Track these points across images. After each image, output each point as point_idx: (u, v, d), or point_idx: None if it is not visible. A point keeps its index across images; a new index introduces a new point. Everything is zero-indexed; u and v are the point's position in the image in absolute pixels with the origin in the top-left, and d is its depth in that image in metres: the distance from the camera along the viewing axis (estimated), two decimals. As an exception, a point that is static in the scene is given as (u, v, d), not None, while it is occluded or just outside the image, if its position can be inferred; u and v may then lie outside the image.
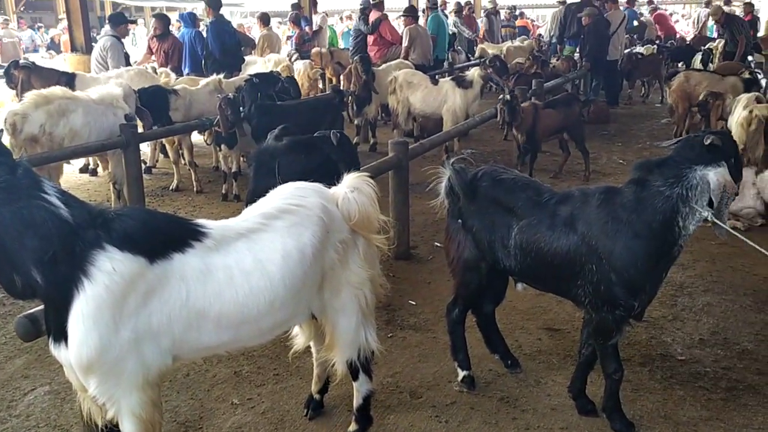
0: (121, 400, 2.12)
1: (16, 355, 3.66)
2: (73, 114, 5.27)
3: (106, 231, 2.02)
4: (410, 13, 10.50)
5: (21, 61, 7.60)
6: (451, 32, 12.69)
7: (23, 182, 1.95)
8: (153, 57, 9.43)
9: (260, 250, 2.26)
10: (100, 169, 7.72)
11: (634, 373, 3.34)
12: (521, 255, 2.86)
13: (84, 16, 8.83)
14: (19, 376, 3.44)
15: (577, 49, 11.84)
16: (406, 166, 4.85)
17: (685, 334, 3.76)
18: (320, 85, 10.61)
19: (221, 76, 7.69)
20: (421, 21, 11.15)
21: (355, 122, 8.93)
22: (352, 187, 2.52)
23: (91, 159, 7.42)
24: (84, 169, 7.70)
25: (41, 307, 2.27)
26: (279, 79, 7.12)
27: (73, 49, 9.19)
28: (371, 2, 10.47)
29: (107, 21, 8.87)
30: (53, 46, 17.30)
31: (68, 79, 7.16)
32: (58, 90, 5.47)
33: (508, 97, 6.49)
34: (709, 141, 2.50)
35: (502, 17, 17.48)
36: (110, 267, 1.98)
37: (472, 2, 18.06)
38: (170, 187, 7.01)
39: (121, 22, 8.38)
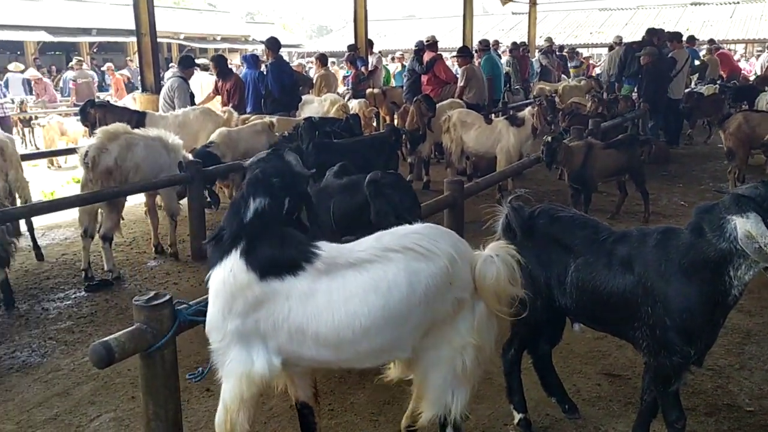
0: (223, 381, 2.41)
1: (83, 381, 3.81)
2: (136, 148, 5.49)
3: (246, 241, 2.36)
4: (465, 53, 10.63)
5: (96, 101, 8.00)
6: (505, 71, 12.77)
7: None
8: (214, 96, 9.82)
9: (367, 279, 2.33)
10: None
11: (699, 423, 3.23)
12: (577, 294, 2.84)
13: (155, 57, 9.27)
14: (86, 402, 3.57)
15: (635, 89, 11.72)
16: (461, 205, 4.87)
17: (753, 384, 3.62)
18: (374, 124, 10.78)
19: (274, 118, 7.97)
20: (474, 61, 11.26)
21: (409, 160, 9.03)
22: (496, 254, 2.49)
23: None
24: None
25: (115, 335, 2.39)
26: (338, 120, 7.32)
27: (143, 89, 9.63)
28: (425, 43, 10.66)
29: (177, 63, 9.30)
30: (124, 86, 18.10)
31: (139, 118, 7.50)
32: (120, 126, 5.72)
33: (549, 138, 6.48)
34: (739, 192, 2.46)
35: (566, 57, 17.47)
36: (229, 267, 2.33)
37: (527, 42, 18.17)
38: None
39: (189, 65, 8.81)
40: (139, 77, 10.59)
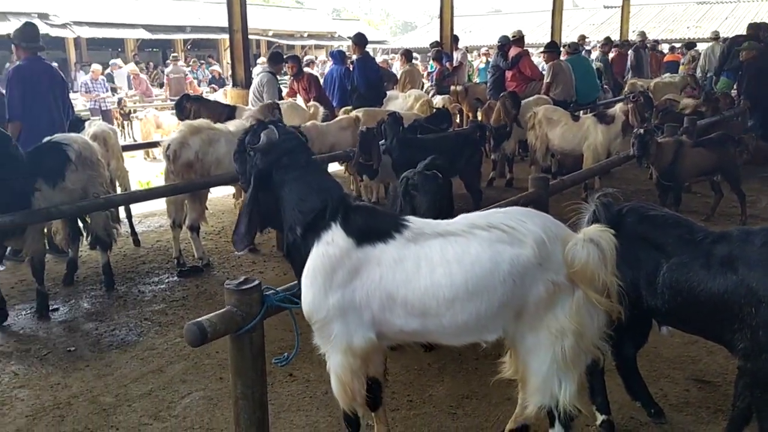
0: (330, 357, 2.55)
1: (176, 360, 4.01)
2: (218, 143, 5.66)
3: (342, 212, 2.50)
4: (552, 48, 10.41)
5: (191, 94, 8.35)
6: (595, 67, 12.41)
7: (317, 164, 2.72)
8: (293, 95, 10.05)
9: (451, 251, 2.39)
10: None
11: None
12: (670, 295, 2.75)
13: (245, 53, 9.57)
14: (178, 380, 3.76)
15: (735, 85, 11.14)
16: (545, 202, 4.79)
17: None
18: (457, 120, 10.73)
19: (359, 112, 8.07)
20: (562, 57, 11.00)
21: (492, 157, 8.94)
22: (590, 237, 2.43)
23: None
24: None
25: (207, 316, 2.51)
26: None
27: (234, 83, 9.97)
28: (511, 38, 10.51)
29: (267, 59, 9.59)
30: (214, 81, 18.83)
31: (230, 111, 7.79)
32: (203, 121, 5.92)
33: (641, 130, 6.26)
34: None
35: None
36: (330, 238, 2.45)
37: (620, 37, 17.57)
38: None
39: (279, 61, 9.06)
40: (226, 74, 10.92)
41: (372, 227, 2.50)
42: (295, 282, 2.80)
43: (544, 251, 2.40)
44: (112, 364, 3.98)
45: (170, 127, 13.94)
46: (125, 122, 14.60)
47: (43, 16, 22.11)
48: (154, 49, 29.57)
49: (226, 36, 10.28)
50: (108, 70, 16.50)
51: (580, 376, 2.58)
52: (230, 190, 8.27)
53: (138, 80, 16.11)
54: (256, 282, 2.63)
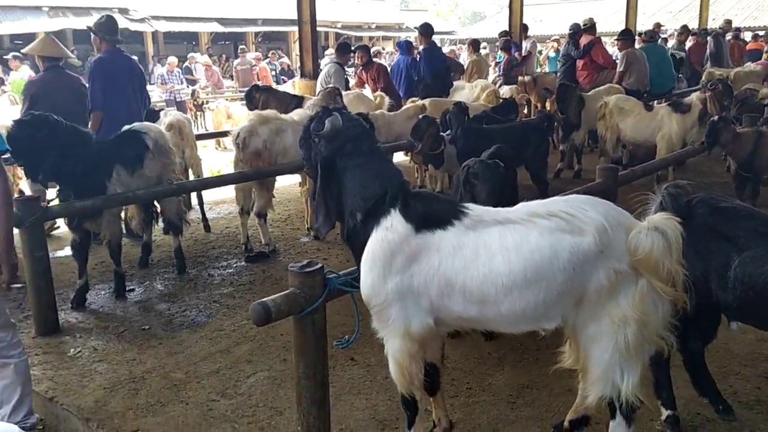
0: (388, 341, 2.59)
1: (242, 341, 4.15)
2: (284, 133, 5.79)
3: (402, 199, 2.53)
4: (626, 36, 10.10)
5: (260, 85, 8.55)
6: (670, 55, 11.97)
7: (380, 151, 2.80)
8: (361, 85, 10.16)
9: (510, 239, 2.40)
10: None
11: None
12: (742, 290, 2.65)
13: (314, 45, 9.72)
14: (244, 361, 3.89)
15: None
16: (614, 193, 4.68)
17: None
18: (525, 111, 10.58)
19: (425, 102, 8.06)
20: (637, 46, 10.66)
21: (560, 148, 8.78)
22: (654, 225, 2.39)
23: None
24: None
25: (272, 297, 2.60)
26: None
27: (302, 74, 10.15)
28: (582, 26, 10.26)
29: (336, 50, 9.71)
30: (283, 73, 19.22)
31: (298, 102, 7.92)
32: (271, 112, 6.08)
33: (715, 117, 6.01)
34: None
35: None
36: (389, 224, 2.49)
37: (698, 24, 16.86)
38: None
39: (346, 51, 9.18)
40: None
41: (431, 214, 2.53)
42: (356, 267, 2.87)
43: (606, 239, 2.37)
44: (182, 342, 4.16)
45: (240, 117, 14.31)
46: (198, 113, 15.10)
47: (123, 11, 23.03)
48: (226, 42, 30.33)
49: (296, 28, 10.45)
50: (186, 63, 17.10)
51: (643, 366, 2.54)
52: (296, 178, 8.42)
53: (210, 72, 16.61)
54: (319, 265, 2.70)
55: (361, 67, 9.66)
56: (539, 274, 2.37)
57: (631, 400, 2.49)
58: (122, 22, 22.55)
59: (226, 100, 14.88)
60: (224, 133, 10.78)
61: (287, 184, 8.32)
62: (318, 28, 28.00)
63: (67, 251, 5.45)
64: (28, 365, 3.32)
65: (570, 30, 10.61)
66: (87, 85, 6.16)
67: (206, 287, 5.13)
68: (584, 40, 10.21)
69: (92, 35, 6.13)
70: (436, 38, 9.98)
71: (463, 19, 66.25)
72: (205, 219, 6.77)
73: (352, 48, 9.67)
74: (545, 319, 2.49)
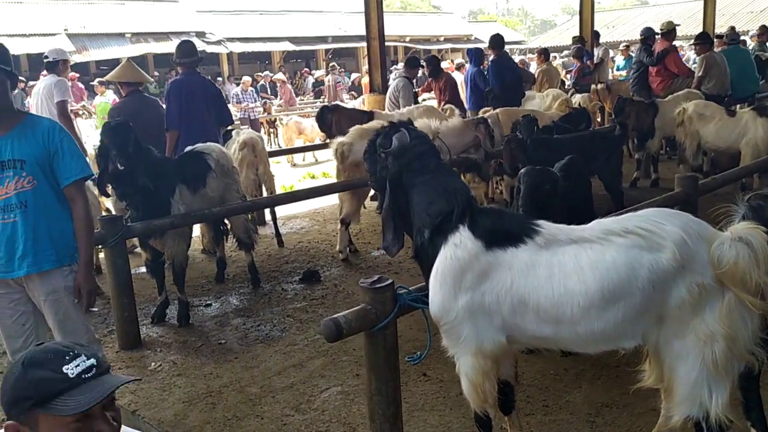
0: (459, 359, 2.56)
1: (315, 356, 4.19)
2: None
3: (469, 215, 2.52)
4: (703, 39, 9.70)
5: (330, 104, 8.69)
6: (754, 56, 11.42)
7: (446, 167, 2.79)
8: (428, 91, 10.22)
9: (586, 258, 2.33)
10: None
11: None
12: None
13: (382, 60, 9.82)
14: (317, 375, 3.92)
15: None
16: (694, 203, 4.48)
17: None
18: (598, 119, 10.31)
19: (497, 111, 7.97)
20: (717, 49, 10.22)
21: (636, 156, 8.49)
22: (738, 236, 2.27)
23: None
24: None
25: (343, 313, 2.61)
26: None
27: (371, 90, 10.25)
28: (660, 31, 9.92)
29: (404, 64, 9.77)
30: (353, 88, 19.52)
31: (369, 118, 7.99)
32: (375, 124, 6.19)
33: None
34: None
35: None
36: (458, 241, 2.46)
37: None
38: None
39: (414, 66, 9.23)
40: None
41: (501, 231, 2.50)
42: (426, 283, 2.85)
43: (686, 253, 2.26)
44: (257, 357, 4.23)
45: (312, 133, 14.62)
46: (271, 129, 15.46)
47: (200, 35, 23.96)
48: (298, 60, 31.05)
49: (365, 44, 10.59)
50: (261, 81, 17.68)
51: (732, 385, 2.40)
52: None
53: (284, 89, 17.01)
54: (390, 281, 2.70)
55: (429, 77, 9.68)
56: (617, 293, 2.29)
57: (720, 420, 2.35)
58: (199, 45, 23.45)
59: (298, 116, 15.18)
60: (297, 149, 11.04)
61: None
62: (387, 43, 28.24)
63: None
64: (111, 379, 3.45)
65: (641, 35, 10.29)
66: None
67: (280, 302, 5.22)
68: (660, 46, 9.87)
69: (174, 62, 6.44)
70: (506, 49, 9.85)
71: (533, 28, 65.56)
72: (278, 234, 6.90)
73: (420, 61, 9.69)
74: (624, 339, 2.40)
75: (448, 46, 32.32)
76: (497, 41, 9.59)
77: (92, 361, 1.51)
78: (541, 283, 2.37)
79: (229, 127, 7.07)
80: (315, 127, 14.76)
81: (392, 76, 10.40)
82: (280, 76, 18.25)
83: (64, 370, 1.46)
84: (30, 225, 3.10)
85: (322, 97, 20.58)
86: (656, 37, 9.96)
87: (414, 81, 9.44)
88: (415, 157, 2.73)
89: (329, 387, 3.77)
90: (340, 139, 6.16)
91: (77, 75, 15.61)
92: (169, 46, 22.94)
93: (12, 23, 20.48)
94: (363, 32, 10.24)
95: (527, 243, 2.43)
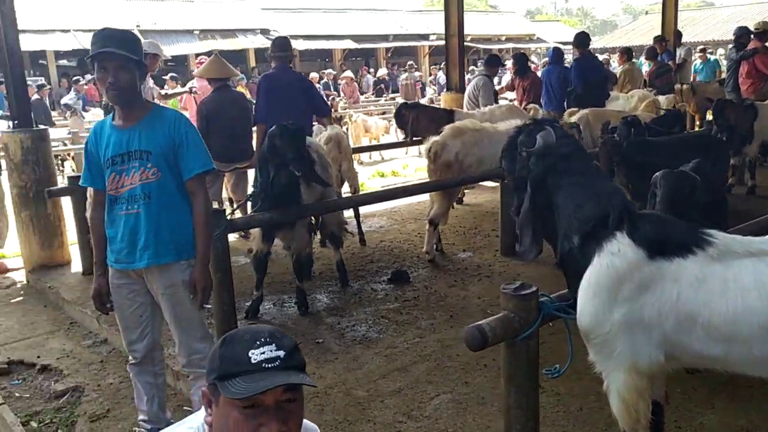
0: (610, 375, 2.39)
1: (418, 360, 4.06)
2: (481, 144, 5.83)
3: (628, 221, 2.33)
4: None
5: (408, 102, 8.57)
6: None
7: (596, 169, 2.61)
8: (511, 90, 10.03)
9: (766, 273, 2.14)
10: (466, 199, 8.32)
11: None
12: None
13: (461, 58, 9.64)
14: (423, 381, 3.79)
15: None
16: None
17: None
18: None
19: (586, 112, 7.70)
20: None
21: (731, 162, 8.09)
22: None
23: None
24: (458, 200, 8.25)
25: (487, 320, 2.46)
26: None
27: (448, 88, 10.08)
28: (754, 30, 9.46)
29: (484, 62, 9.58)
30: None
31: (449, 116, 7.84)
32: (468, 123, 6.11)
33: None
34: None
35: None
36: (615, 249, 2.28)
37: None
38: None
39: (495, 64, 9.04)
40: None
41: (666, 239, 2.32)
42: (565, 291, 2.69)
43: None
44: (358, 358, 4.13)
45: (378, 130, 14.56)
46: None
47: (265, 32, 24.22)
48: (358, 59, 31.10)
49: (425, 43, 10.48)
50: (324, 79, 17.75)
51: None
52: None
53: (351, 87, 17.01)
54: (534, 288, 2.54)
55: (515, 75, 9.47)
56: None
57: None
58: (264, 42, 23.73)
59: (366, 114, 15.15)
60: (378, 147, 10.97)
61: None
62: (444, 42, 28.01)
63: (239, 261, 5.64)
64: (222, 376, 3.39)
65: (735, 34, 9.85)
66: (253, 101, 6.43)
67: (371, 302, 5.11)
68: (752, 45, 9.42)
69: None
70: (565, 49, 9.59)
71: (592, 28, 64.19)
72: (361, 232, 6.81)
73: (501, 60, 9.48)
74: None
75: (510, 45, 31.82)
76: (582, 39, 9.32)
77: (281, 352, 1.47)
78: (714, 298, 2.17)
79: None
80: (379, 125, 14.81)
81: (470, 75, 10.21)
82: (348, 73, 18.27)
83: (249, 354, 1.45)
84: (153, 217, 3.06)
85: (384, 95, 20.56)
86: (750, 36, 9.51)
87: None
88: (561, 157, 2.57)
89: (438, 394, 3.63)
90: (433, 138, 6.06)
91: (147, 70, 15.94)
92: (235, 43, 23.27)
93: (86, 19, 21.06)
94: (424, 31, 10.21)
95: (697, 254, 2.23)
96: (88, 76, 19.93)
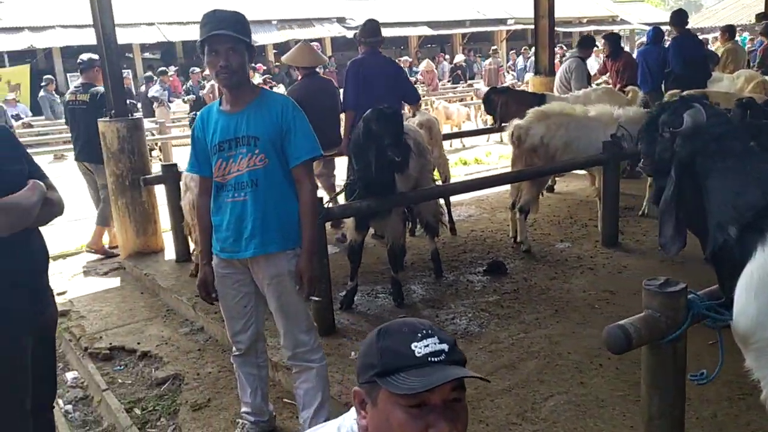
0: None
1: (525, 357, 3.83)
2: (567, 127, 5.54)
3: None
4: None
5: (498, 87, 8.29)
6: None
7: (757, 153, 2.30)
8: (604, 77, 9.56)
9: None
10: (557, 187, 7.98)
11: None
12: None
13: (551, 40, 9.24)
14: (534, 380, 3.56)
15: None
16: None
17: None
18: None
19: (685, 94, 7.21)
20: None
21: None
22: None
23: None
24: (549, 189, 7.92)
25: (629, 320, 2.22)
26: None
27: (536, 71, 9.70)
28: None
29: (577, 44, 9.17)
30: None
31: (540, 100, 7.51)
32: (554, 106, 5.82)
33: None
34: None
35: None
36: None
37: None
38: (639, 211, 6.65)
39: (589, 46, 8.62)
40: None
41: None
42: (712, 288, 2.42)
43: None
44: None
45: (459, 117, 14.29)
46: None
47: (341, 20, 24.24)
48: (433, 45, 30.76)
49: (503, 28, 10.11)
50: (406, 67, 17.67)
51: None
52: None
53: (431, 75, 16.81)
54: (683, 285, 2.27)
55: (606, 57, 9.02)
56: None
57: None
58: (340, 31, 23.78)
59: (445, 101, 14.90)
60: (462, 134, 10.75)
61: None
62: (526, 26, 27.55)
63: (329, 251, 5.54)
64: (327, 370, 3.28)
65: None
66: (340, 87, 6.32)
67: (469, 294, 4.91)
68: None
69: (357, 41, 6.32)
70: (648, 29, 9.02)
71: (676, 8, 61.24)
72: (451, 221, 6.61)
73: (595, 41, 9.04)
74: None
75: (592, 28, 30.67)
76: (680, 17, 8.76)
77: (444, 346, 1.34)
78: None
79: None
80: (461, 112, 14.53)
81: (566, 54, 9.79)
82: (429, 63, 18.10)
83: (412, 347, 1.33)
84: (260, 205, 2.95)
85: (461, 82, 20.22)
86: None
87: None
88: (713, 138, 2.30)
89: (552, 394, 3.40)
90: (516, 122, 5.79)
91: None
92: (312, 32, 23.37)
93: (170, 12, 21.63)
94: (502, 15, 9.78)
95: None
96: (173, 68, 20.51)
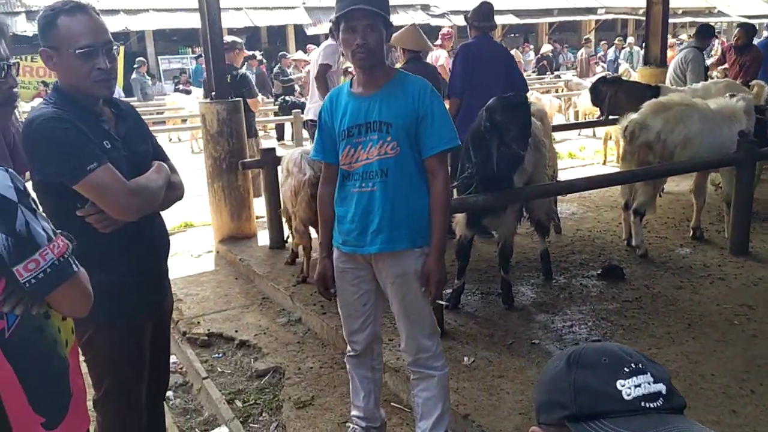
0: None
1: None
2: (689, 121, 5.04)
3: None
4: None
5: (608, 77, 7.79)
6: None
7: None
8: (720, 67, 8.89)
9: None
10: (667, 186, 7.43)
11: None
12: None
13: (663, 29, 8.63)
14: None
15: None
16: None
17: None
18: None
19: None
20: None
21: None
22: None
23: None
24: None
25: None
26: None
27: (646, 62, 9.10)
28: None
29: (695, 33, 8.55)
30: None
31: (653, 93, 6.98)
32: (675, 97, 5.33)
33: None
34: None
35: None
36: None
37: None
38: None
39: (708, 35, 7.98)
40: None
41: None
42: None
43: None
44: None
45: (551, 109, 13.72)
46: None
47: (425, 8, 23.86)
48: (516, 35, 29.94)
49: (591, 17, 9.51)
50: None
51: None
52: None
53: (518, 65, 16.34)
54: None
55: (732, 48, 8.35)
56: None
57: None
58: (424, 18, 23.39)
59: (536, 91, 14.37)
60: (570, 126, 10.31)
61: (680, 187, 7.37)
62: (617, 15, 26.45)
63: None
64: (448, 378, 3.01)
65: None
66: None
67: (585, 300, 4.54)
68: None
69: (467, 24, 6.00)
70: (756, 23, 8.26)
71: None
72: (557, 219, 6.22)
73: (715, 30, 8.38)
74: None
75: (687, 19, 29.18)
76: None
77: (660, 386, 1.02)
78: None
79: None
80: (553, 104, 13.97)
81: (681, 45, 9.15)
82: (514, 54, 17.58)
83: (619, 386, 1.02)
84: (389, 197, 2.69)
85: (546, 72, 19.54)
86: None
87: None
88: None
89: (702, 422, 2.99)
90: (631, 116, 5.33)
91: (313, 46, 16.04)
92: (397, 19, 23.04)
93: (256, -3, 21.80)
94: (592, 4, 9.18)
95: None
96: (258, 53, 20.67)
